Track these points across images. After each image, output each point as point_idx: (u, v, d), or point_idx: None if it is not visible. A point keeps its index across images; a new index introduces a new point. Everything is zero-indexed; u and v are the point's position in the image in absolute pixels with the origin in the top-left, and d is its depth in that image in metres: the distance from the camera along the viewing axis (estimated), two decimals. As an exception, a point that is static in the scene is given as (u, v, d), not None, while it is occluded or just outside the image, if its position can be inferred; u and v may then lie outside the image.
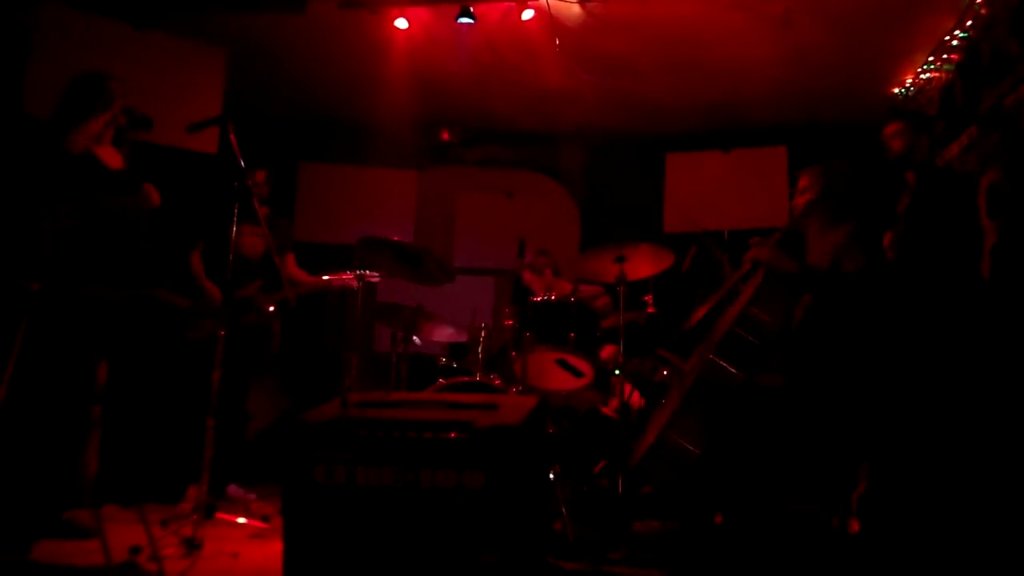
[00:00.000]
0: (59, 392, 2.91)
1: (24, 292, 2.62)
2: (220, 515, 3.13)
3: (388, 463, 2.18)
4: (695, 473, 2.73)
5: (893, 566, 2.69)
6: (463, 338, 4.03)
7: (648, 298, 4.12)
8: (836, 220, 2.99)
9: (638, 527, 3.27)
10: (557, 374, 3.69)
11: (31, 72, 3.74)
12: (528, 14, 4.09)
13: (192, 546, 2.73)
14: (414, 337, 3.90)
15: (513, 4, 4.06)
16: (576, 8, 4.07)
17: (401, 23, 4.22)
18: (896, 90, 4.85)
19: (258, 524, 3.19)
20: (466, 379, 3.61)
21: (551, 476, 3.21)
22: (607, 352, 3.97)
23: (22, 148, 2.98)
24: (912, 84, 4.72)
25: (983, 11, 3.81)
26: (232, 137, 3.05)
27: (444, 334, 4.04)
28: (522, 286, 4.35)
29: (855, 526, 2.90)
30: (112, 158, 3.14)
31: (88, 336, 3.03)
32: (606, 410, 3.89)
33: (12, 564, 2.50)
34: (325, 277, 3.93)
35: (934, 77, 4.41)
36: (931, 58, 4.39)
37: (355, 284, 3.58)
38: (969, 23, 3.94)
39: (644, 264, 3.64)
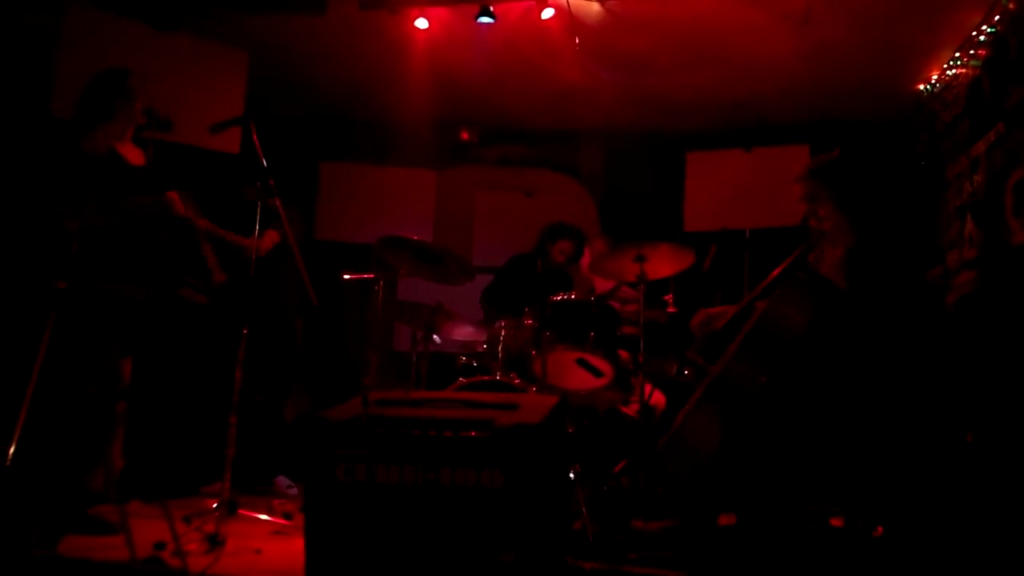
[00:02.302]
0: (85, 389, 2.95)
1: (51, 290, 2.66)
2: (242, 512, 3.16)
3: (408, 461, 2.18)
4: (708, 472, 2.71)
5: (914, 570, 2.66)
6: (483, 337, 4.03)
7: (668, 298, 4.10)
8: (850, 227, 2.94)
9: (656, 527, 3.25)
10: (577, 373, 3.67)
11: (58, 74, 3.79)
12: (548, 13, 4.09)
13: (215, 542, 2.75)
14: (434, 336, 3.91)
15: (533, 3, 4.06)
16: (596, 6, 4.06)
17: (421, 23, 4.23)
18: (921, 87, 4.79)
19: (280, 521, 3.21)
20: (486, 378, 3.61)
21: (571, 475, 3.20)
22: (626, 354, 3.96)
23: (48, 148, 3.03)
24: (938, 80, 4.65)
25: (1011, 6, 3.75)
26: (254, 137, 3.08)
27: (464, 333, 4.04)
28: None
29: (878, 529, 2.87)
30: (133, 155, 3.17)
31: (113, 334, 3.07)
32: (626, 410, 3.87)
33: (40, 559, 2.54)
34: (346, 276, 3.96)
35: (960, 73, 4.34)
36: (957, 54, 4.32)
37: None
38: (997, 18, 3.87)
39: (664, 263, 3.62)
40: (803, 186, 3.06)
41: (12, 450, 2.50)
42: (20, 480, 2.60)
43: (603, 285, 4.38)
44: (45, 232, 2.79)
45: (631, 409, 3.86)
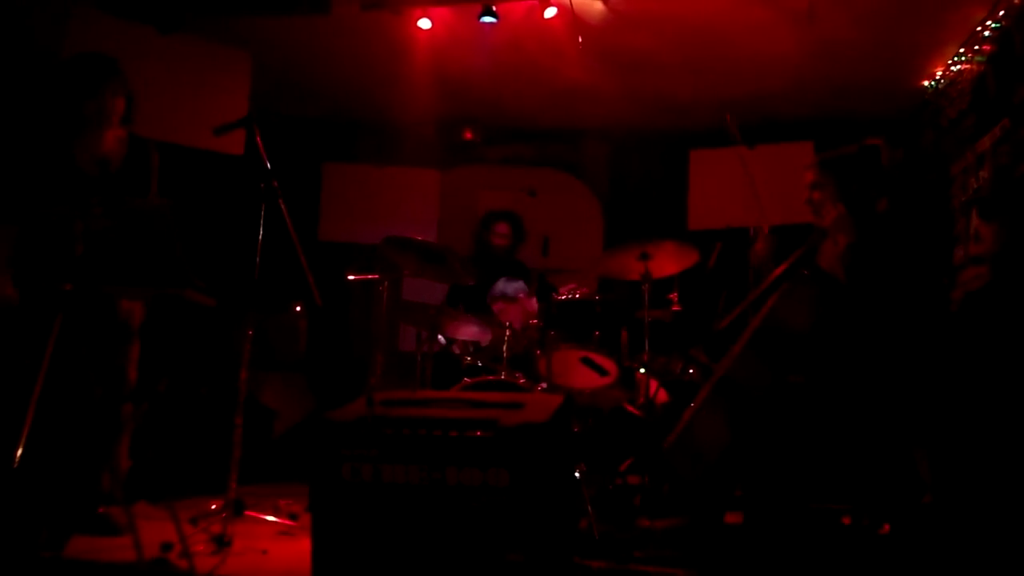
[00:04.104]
0: (91, 390, 2.95)
1: (57, 292, 2.67)
2: (249, 513, 3.16)
3: (414, 461, 2.19)
4: (715, 470, 2.70)
5: (922, 568, 2.65)
6: (488, 336, 4.03)
7: (673, 296, 4.09)
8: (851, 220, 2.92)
9: (663, 525, 3.25)
10: (582, 372, 3.67)
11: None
12: (551, 12, 4.08)
13: (222, 543, 2.76)
14: (438, 336, 3.91)
15: (535, 2, 4.05)
16: (599, 5, 4.05)
17: (424, 23, 4.23)
18: (925, 83, 4.77)
19: (286, 522, 3.22)
20: (491, 378, 3.61)
21: (577, 475, 3.20)
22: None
23: (42, 156, 3.02)
24: (942, 76, 4.63)
25: (1016, 0, 3.73)
26: (258, 139, 3.08)
27: (468, 332, 4.04)
28: (547, 283, 4.33)
29: (885, 527, 2.86)
30: (113, 150, 3.14)
31: (119, 335, 3.08)
32: (631, 408, 3.87)
33: (48, 561, 2.55)
34: (351, 276, 3.96)
35: (965, 69, 4.32)
36: (962, 49, 4.31)
37: None
38: (1001, 13, 3.86)
39: (669, 262, 3.61)
40: (811, 173, 3.05)
41: (19, 452, 2.50)
42: (27, 482, 2.61)
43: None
44: (52, 235, 2.79)
45: (636, 407, 3.86)
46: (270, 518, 3.22)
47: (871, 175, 2.98)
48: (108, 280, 2.68)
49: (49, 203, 2.84)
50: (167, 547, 2.64)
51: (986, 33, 4.02)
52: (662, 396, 3.92)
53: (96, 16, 3.93)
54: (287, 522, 3.22)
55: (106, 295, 2.94)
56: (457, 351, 4.03)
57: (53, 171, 2.96)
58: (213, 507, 3.09)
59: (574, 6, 4.00)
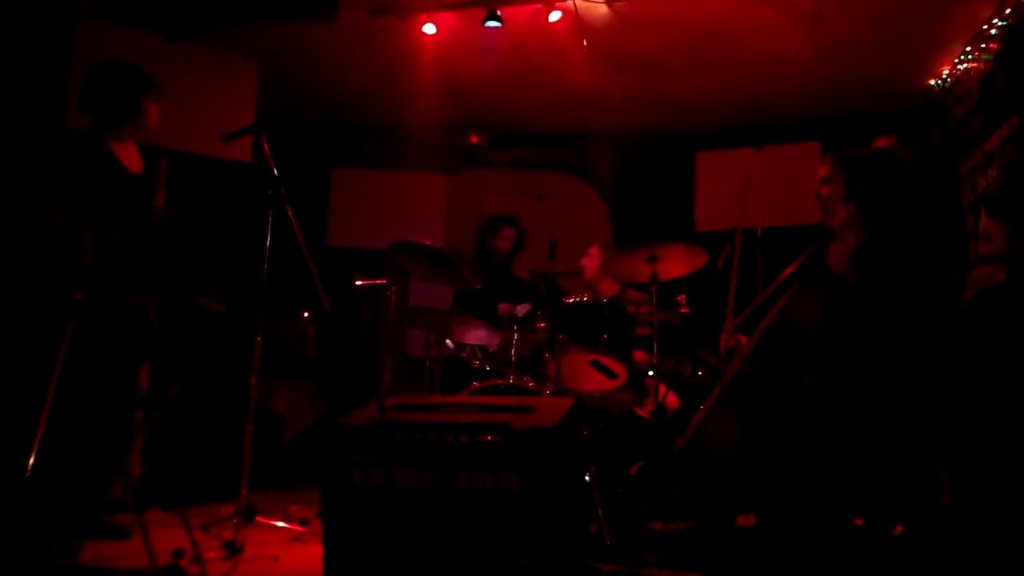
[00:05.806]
0: (102, 398, 2.97)
1: (68, 301, 2.69)
2: (260, 519, 3.17)
3: (426, 466, 2.19)
4: (726, 472, 2.69)
5: (935, 569, 2.63)
6: (496, 340, 4.03)
7: (682, 298, 4.08)
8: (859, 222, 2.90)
9: (674, 528, 3.24)
10: (591, 375, 3.67)
11: (71, 87, 3.81)
12: (555, 16, 4.09)
13: (233, 549, 2.77)
14: (447, 340, 3.91)
15: (540, 6, 4.06)
16: (603, 8, 4.06)
17: (429, 28, 4.25)
18: (932, 82, 4.76)
19: (297, 528, 3.22)
20: (499, 382, 3.61)
21: (587, 478, 3.20)
22: (640, 355, 3.95)
23: (68, 158, 3.04)
24: (949, 75, 4.62)
25: (1023, -2, 3.72)
26: (265, 145, 3.10)
27: (477, 336, 4.04)
28: (555, 287, 4.33)
29: (898, 528, 2.85)
30: (133, 160, 3.17)
31: (130, 343, 3.09)
32: (641, 411, 3.86)
33: (62, 568, 2.56)
34: (359, 281, 3.97)
35: (972, 67, 4.31)
36: (969, 48, 4.29)
37: None
38: (1008, 11, 3.85)
39: (677, 264, 3.61)
40: (825, 167, 3.03)
41: (32, 460, 2.52)
42: (40, 490, 2.62)
43: (607, 290, 4.35)
44: (63, 243, 2.81)
45: (646, 411, 3.85)
46: (281, 524, 3.23)
47: (885, 177, 2.96)
48: (119, 288, 2.70)
49: (61, 209, 2.85)
50: (179, 554, 2.65)
51: (993, 31, 4.01)
52: (672, 399, 3.92)
53: (104, 25, 3.95)
54: (298, 528, 3.22)
55: (118, 303, 2.96)
56: (465, 355, 4.04)
57: (101, 172, 2.98)
58: (224, 513, 3.10)
59: (578, 9, 4.01)
